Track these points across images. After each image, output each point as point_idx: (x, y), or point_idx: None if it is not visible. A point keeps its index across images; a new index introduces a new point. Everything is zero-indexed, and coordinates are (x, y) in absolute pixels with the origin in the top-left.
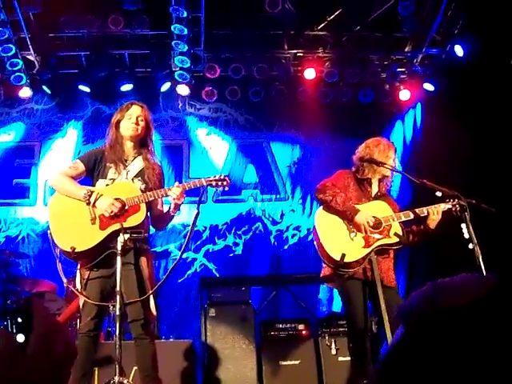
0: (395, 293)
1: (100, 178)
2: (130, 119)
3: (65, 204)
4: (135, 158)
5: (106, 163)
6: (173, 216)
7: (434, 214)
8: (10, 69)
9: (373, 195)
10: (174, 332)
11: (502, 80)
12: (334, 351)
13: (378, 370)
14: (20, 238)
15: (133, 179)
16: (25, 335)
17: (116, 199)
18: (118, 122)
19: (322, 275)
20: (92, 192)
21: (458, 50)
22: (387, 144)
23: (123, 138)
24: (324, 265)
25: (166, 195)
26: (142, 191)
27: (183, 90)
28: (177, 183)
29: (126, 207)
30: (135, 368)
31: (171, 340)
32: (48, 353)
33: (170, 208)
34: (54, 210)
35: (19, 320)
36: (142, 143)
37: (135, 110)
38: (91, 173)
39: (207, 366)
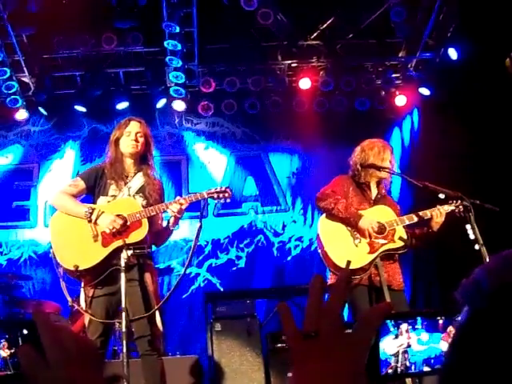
0: (402, 296)
1: (101, 195)
2: (129, 136)
3: (66, 222)
4: (135, 174)
5: (107, 180)
6: (172, 231)
7: (438, 216)
8: (5, 92)
9: (373, 198)
10: (180, 348)
11: (497, 81)
12: None
13: (447, 356)
14: (22, 260)
15: (134, 195)
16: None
17: (117, 215)
18: (117, 139)
19: (328, 284)
20: (93, 209)
21: (452, 53)
22: (382, 146)
23: (123, 155)
24: (330, 273)
25: (167, 210)
26: (143, 207)
27: (179, 105)
28: (178, 197)
29: (128, 223)
30: None
31: (177, 356)
32: (64, 352)
33: (168, 222)
34: (56, 228)
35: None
36: (142, 159)
37: (134, 127)
38: (92, 190)
39: (215, 381)
